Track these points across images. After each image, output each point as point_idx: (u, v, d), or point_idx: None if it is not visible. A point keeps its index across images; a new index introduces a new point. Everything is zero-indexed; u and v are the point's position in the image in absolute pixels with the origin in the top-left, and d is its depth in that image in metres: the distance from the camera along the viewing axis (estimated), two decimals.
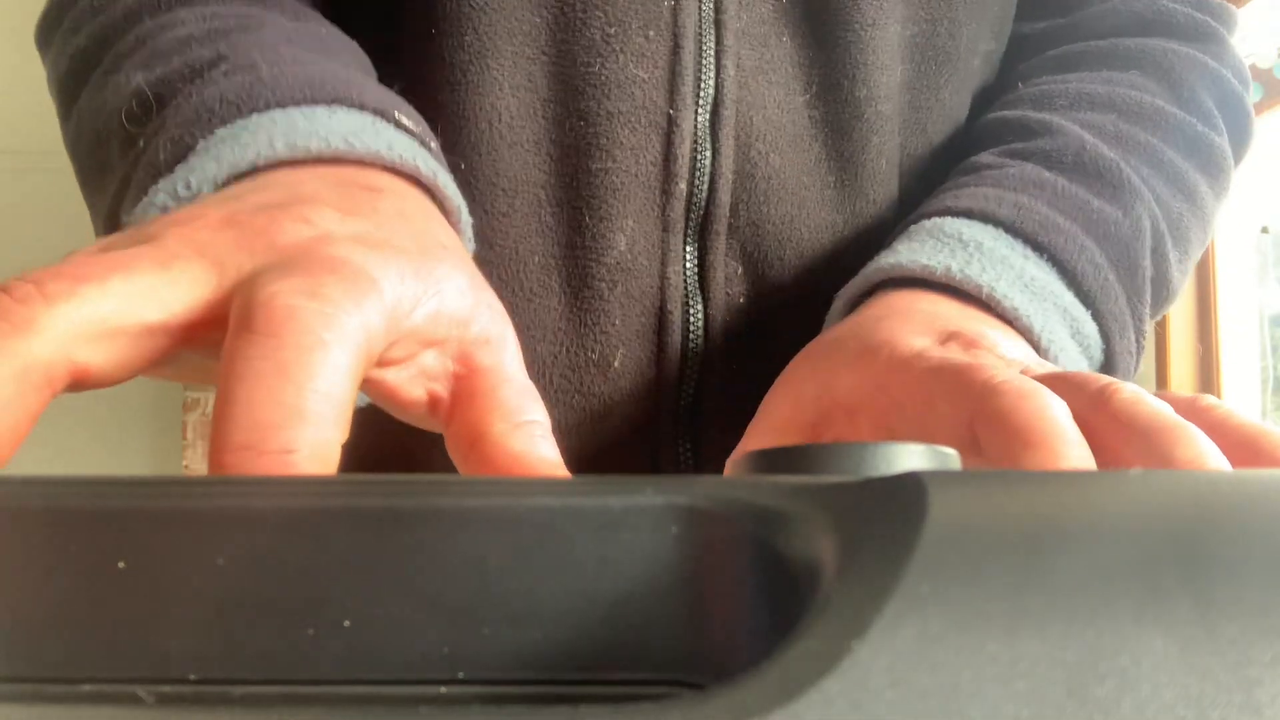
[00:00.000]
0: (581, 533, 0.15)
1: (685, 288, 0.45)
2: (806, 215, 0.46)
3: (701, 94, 0.44)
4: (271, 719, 0.13)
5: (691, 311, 0.45)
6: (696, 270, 0.45)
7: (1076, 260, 0.40)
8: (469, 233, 0.36)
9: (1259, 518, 0.14)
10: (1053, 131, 0.44)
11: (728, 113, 0.44)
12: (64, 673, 0.15)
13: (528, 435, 0.26)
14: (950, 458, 0.20)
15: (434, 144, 0.36)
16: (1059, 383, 0.30)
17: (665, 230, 0.44)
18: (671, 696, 0.14)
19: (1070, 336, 0.39)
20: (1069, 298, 0.40)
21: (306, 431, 0.21)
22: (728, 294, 0.45)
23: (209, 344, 0.23)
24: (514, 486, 0.15)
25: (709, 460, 0.46)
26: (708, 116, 0.44)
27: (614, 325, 0.44)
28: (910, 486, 0.14)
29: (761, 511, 0.15)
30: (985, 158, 0.45)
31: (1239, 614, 0.12)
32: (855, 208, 0.47)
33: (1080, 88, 0.47)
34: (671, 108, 0.43)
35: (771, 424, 0.38)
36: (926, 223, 0.41)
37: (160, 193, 0.30)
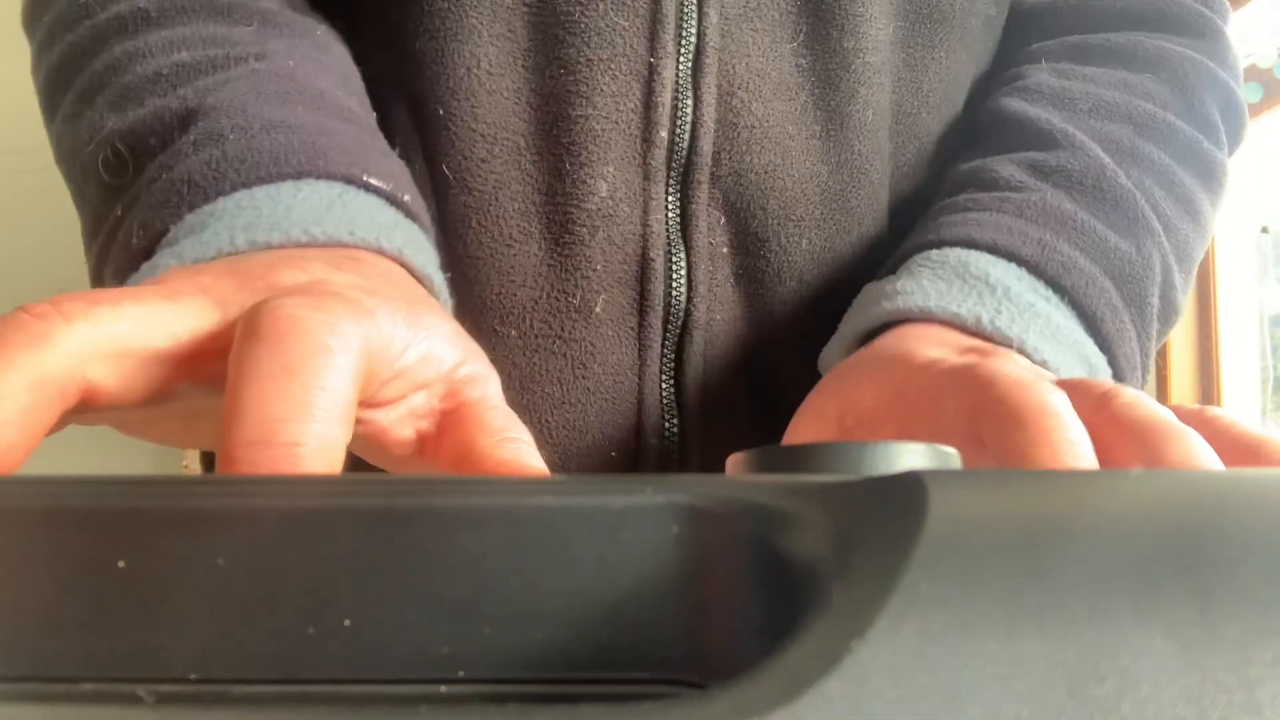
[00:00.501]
0: (581, 532, 0.15)
1: (668, 236, 0.45)
2: (790, 165, 0.46)
3: (683, 42, 0.44)
4: (271, 719, 0.13)
5: (674, 260, 0.45)
6: (679, 219, 0.45)
7: (1096, 304, 0.40)
8: (445, 296, 0.37)
9: (1259, 518, 0.14)
10: (1074, 147, 0.45)
11: (709, 61, 0.44)
12: (64, 673, 0.15)
13: (513, 447, 0.26)
14: (951, 457, 0.20)
15: (408, 196, 0.36)
16: (1065, 389, 0.31)
17: (646, 178, 0.44)
18: (672, 696, 0.14)
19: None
20: (1090, 346, 0.40)
21: (314, 426, 0.21)
22: (710, 243, 0.46)
23: (210, 375, 0.24)
24: (514, 486, 0.15)
25: (690, 407, 0.46)
26: (689, 64, 0.44)
27: (595, 271, 0.44)
28: (910, 485, 0.14)
29: (761, 511, 0.15)
30: (1005, 170, 0.45)
31: (1239, 614, 0.12)
32: (840, 159, 0.47)
33: (1099, 93, 0.47)
34: (652, 55, 0.44)
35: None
36: (950, 255, 0.41)
37: None
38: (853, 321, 0.42)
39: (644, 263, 0.45)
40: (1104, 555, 0.13)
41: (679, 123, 0.44)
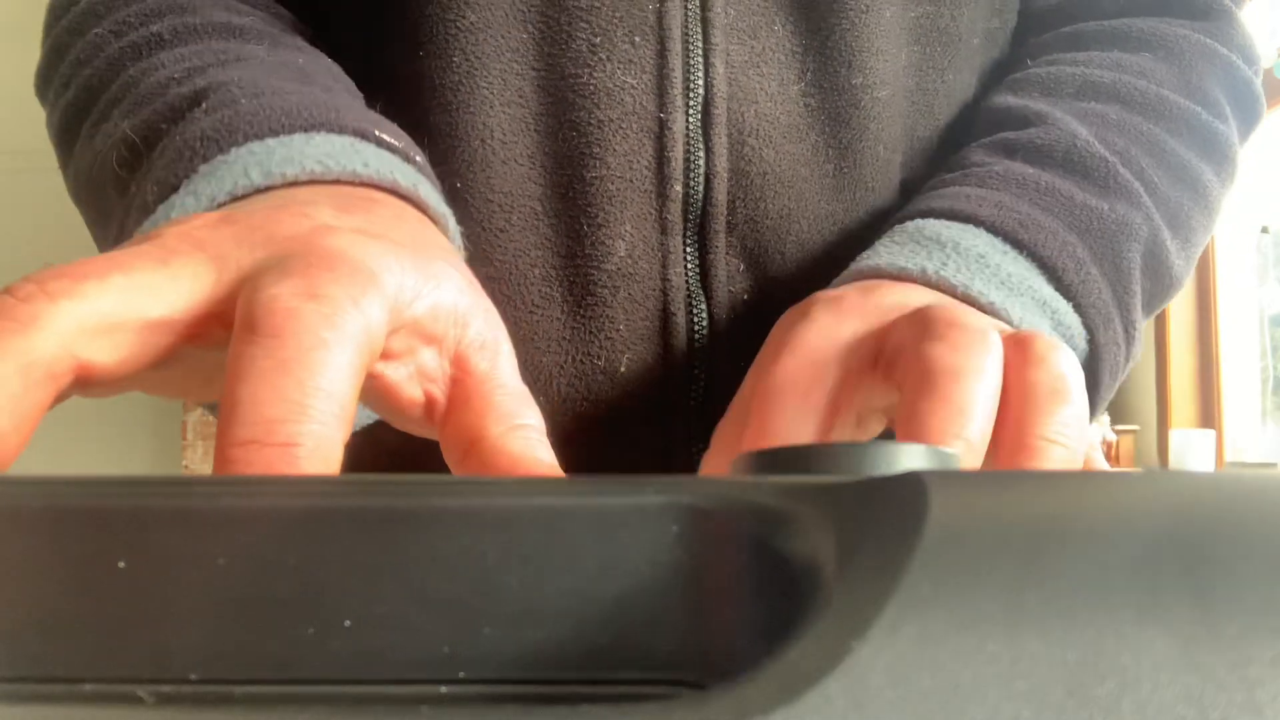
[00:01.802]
0: (582, 532, 0.15)
1: (688, 288, 0.45)
2: (804, 208, 0.46)
3: (691, 95, 0.44)
4: (271, 719, 0.13)
5: (695, 312, 0.45)
6: (698, 270, 0.45)
7: (1057, 255, 0.40)
8: (459, 241, 0.37)
9: (1259, 518, 0.14)
10: (1047, 122, 0.45)
11: (718, 111, 0.44)
12: (64, 673, 0.15)
13: (524, 438, 0.26)
14: (951, 458, 0.20)
15: (419, 157, 0.36)
16: (1008, 342, 0.32)
17: (664, 233, 0.45)
18: (672, 696, 0.14)
19: (1052, 328, 0.40)
20: (1048, 290, 0.40)
21: (310, 426, 0.21)
22: (730, 291, 0.46)
23: (214, 341, 0.24)
24: (514, 486, 0.15)
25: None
26: (699, 116, 0.44)
27: (618, 331, 0.44)
28: (911, 486, 0.14)
29: (762, 511, 0.15)
30: (975, 155, 0.45)
31: (1240, 613, 0.12)
32: (855, 196, 0.47)
33: (1087, 73, 0.47)
34: (662, 111, 0.44)
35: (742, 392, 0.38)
36: (909, 225, 0.41)
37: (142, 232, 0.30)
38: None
39: (665, 318, 0.45)
40: (1104, 555, 0.13)
41: (692, 175, 0.44)
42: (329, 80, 0.40)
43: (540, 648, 0.15)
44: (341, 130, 0.34)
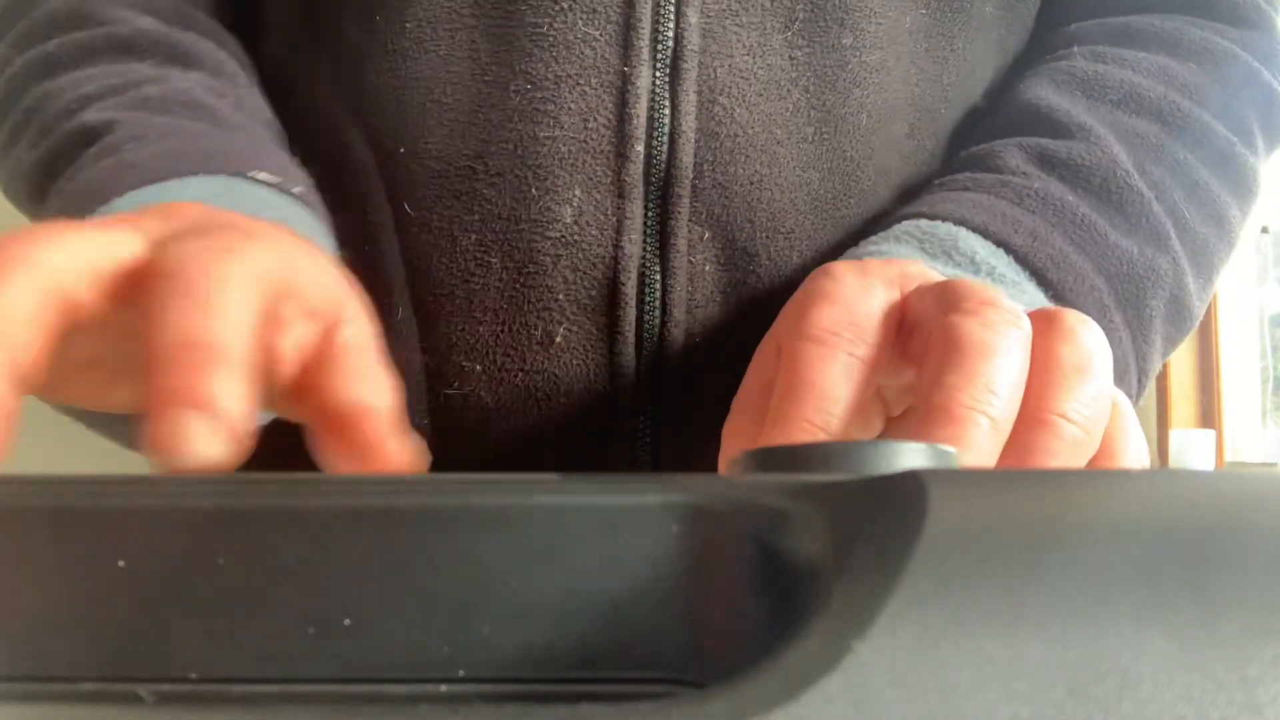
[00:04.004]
0: (582, 532, 0.15)
1: (643, 257, 0.43)
2: (778, 174, 0.43)
3: (660, 47, 0.42)
4: (271, 719, 0.13)
5: (649, 283, 0.43)
6: (658, 237, 0.43)
7: (1082, 301, 0.39)
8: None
9: (1259, 518, 0.14)
10: (1088, 139, 0.43)
11: (688, 65, 0.42)
12: (64, 672, 0.15)
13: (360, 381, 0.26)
14: (950, 456, 0.20)
15: (298, 189, 0.37)
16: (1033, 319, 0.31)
17: (621, 196, 0.42)
18: (672, 696, 0.14)
19: None
20: None
21: (225, 326, 0.22)
22: (691, 261, 0.43)
23: (133, 304, 0.25)
24: (515, 486, 0.15)
25: (668, 440, 0.44)
26: (666, 72, 0.42)
27: (557, 301, 0.42)
28: (910, 485, 0.14)
29: (762, 510, 0.15)
30: (1011, 157, 0.43)
31: (1239, 613, 0.12)
32: (833, 166, 0.44)
33: (1133, 80, 0.46)
34: (625, 65, 0.41)
35: (750, 385, 0.36)
36: (940, 227, 0.40)
37: None
38: None
39: (614, 288, 0.42)
40: (1104, 555, 0.13)
41: (655, 134, 0.42)
42: (213, 99, 0.41)
43: (540, 647, 0.15)
44: (218, 173, 0.36)
